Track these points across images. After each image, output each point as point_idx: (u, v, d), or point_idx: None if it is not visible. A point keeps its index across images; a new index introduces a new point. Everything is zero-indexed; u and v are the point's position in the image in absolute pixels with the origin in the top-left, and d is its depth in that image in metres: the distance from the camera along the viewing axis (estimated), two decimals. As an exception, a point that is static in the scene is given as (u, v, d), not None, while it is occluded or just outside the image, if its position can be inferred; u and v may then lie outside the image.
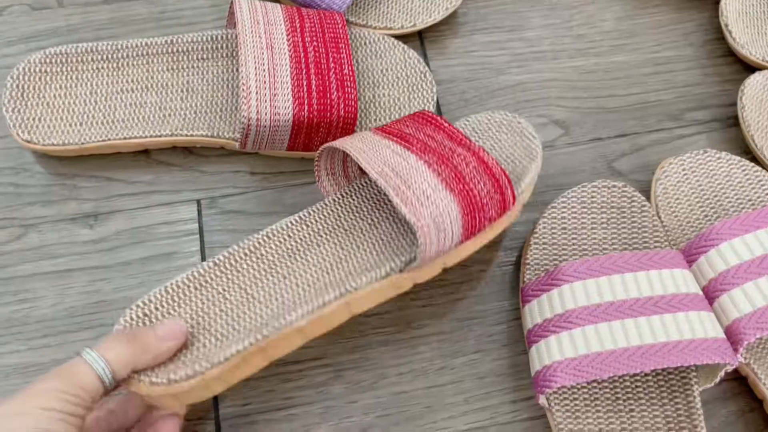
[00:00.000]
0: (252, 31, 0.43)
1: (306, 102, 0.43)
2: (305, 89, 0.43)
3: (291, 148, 0.45)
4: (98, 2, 0.52)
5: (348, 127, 0.45)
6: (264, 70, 0.42)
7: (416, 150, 0.38)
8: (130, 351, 0.32)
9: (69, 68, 0.46)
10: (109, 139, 0.44)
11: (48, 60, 0.46)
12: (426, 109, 0.46)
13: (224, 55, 0.47)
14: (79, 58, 0.46)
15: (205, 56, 0.47)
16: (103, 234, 0.44)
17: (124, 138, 0.45)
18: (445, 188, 0.36)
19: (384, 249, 0.40)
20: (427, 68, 0.48)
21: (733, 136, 0.49)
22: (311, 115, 0.43)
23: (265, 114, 0.42)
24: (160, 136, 0.45)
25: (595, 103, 0.50)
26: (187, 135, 0.45)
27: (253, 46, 0.42)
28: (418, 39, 0.52)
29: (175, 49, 0.47)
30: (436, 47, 0.52)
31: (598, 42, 0.53)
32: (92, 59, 0.46)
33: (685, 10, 0.54)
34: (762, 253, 0.39)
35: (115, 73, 0.46)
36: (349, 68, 0.45)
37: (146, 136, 0.45)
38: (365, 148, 0.38)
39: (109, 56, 0.46)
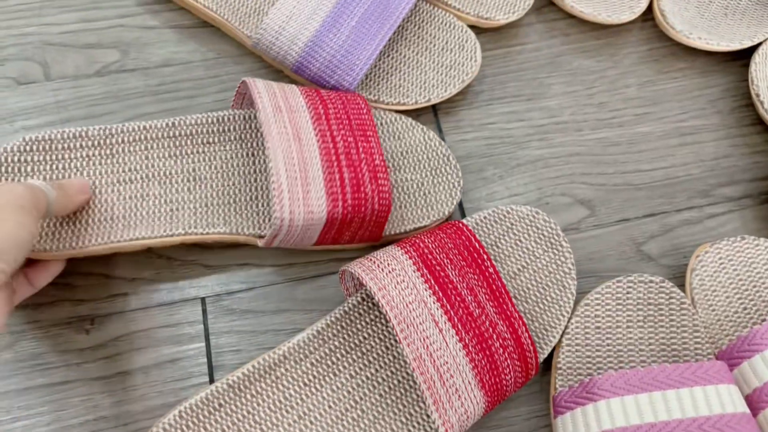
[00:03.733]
0: (276, 121, 0.39)
1: (340, 198, 0.39)
2: (338, 184, 0.39)
3: (319, 243, 0.42)
4: (89, 75, 0.48)
5: (381, 220, 0.41)
6: (294, 165, 0.38)
7: (457, 321, 0.36)
8: (64, 199, 0.37)
9: (54, 157, 0.41)
10: (110, 241, 0.40)
11: (28, 148, 0.40)
12: (453, 195, 0.44)
13: (232, 138, 0.44)
14: (66, 145, 0.41)
15: (211, 140, 0.43)
16: (101, 339, 0.41)
17: (130, 239, 0.40)
18: (477, 383, 0.35)
19: (402, 400, 0.38)
20: (449, 151, 0.45)
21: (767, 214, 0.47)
22: (345, 212, 0.39)
23: (299, 213, 0.38)
24: (170, 236, 0.40)
25: (621, 179, 0.48)
26: (201, 233, 0.41)
27: (280, 138, 0.38)
28: (432, 112, 0.49)
29: (177, 133, 0.43)
30: (452, 120, 0.49)
31: (622, 111, 0.50)
32: (81, 146, 0.41)
33: (711, 74, 0.51)
34: (811, 363, 0.37)
35: (109, 162, 0.42)
36: (380, 158, 0.41)
37: (154, 236, 0.40)
38: (403, 301, 0.35)
39: (101, 142, 0.42)
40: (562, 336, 0.41)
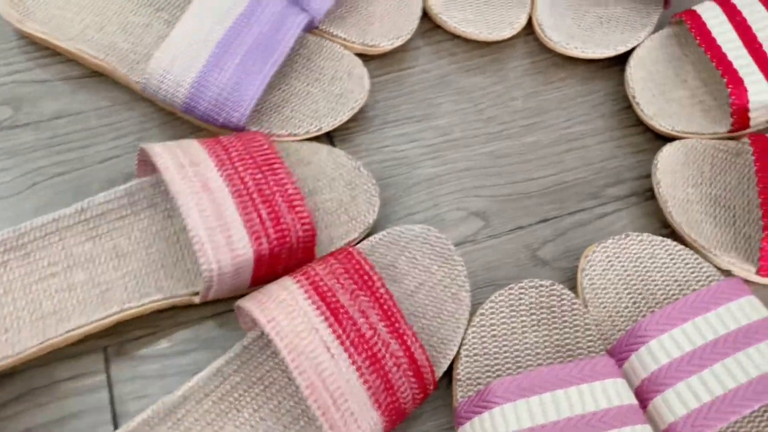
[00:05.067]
0: (182, 177, 0.39)
1: (263, 234, 0.40)
2: (258, 221, 0.40)
3: (254, 283, 0.42)
4: (-21, 133, 0.48)
5: (309, 245, 0.42)
6: (209, 215, 0.39)
7: (349, 344, 0.36)
8: None
9: None
10: (47, 339, 0.39)
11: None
12: (372, 203, 0.45)
13: (144, 206, 0.43)
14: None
15: (124, 213, 0.43)
16: (1, 399, 0.40)
17: (66, 332, 0.39)
18: (373, 405, 0.36)
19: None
20: (358, 162, 0.46)
21: (654, 209, 0.49)
22: (271, 246, 0.40)
23: (225, 260, 0.38)
24: (107, 317, 0.40)
25: (513, 188, 0.49)
26: (137, 306, 0.41)
27: (190, 193, 0.39)
28: (328, 140, 0.50)
29: (88, 215, 0.42)
30: (348, 147, 0.50)
31: (509, 123, 0.52)
32: (-7, 253, 0.40)
33: (591, 80, 0.54)
34: (690, 349, 0.39)
35: (27, 262, 0.41)
36: (293, 187, 0.42)
37: (91, 322, 0.40)
38: (293, 330, 0.36)
39: (13, 244, 0.41)
40: (460, 348, 0.42)
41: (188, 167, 0.40)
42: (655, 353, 0.39)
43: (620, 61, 0.54)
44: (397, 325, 0.39)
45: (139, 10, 0.51)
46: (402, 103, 0.52)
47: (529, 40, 0.55)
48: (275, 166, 0.42)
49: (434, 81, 0.53)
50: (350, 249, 0.41)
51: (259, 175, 0.41)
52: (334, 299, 0.38)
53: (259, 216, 0.40)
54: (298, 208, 0.41)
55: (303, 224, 0.40)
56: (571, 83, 0.54)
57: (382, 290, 0.39)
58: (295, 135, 0.48)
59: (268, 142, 0.43)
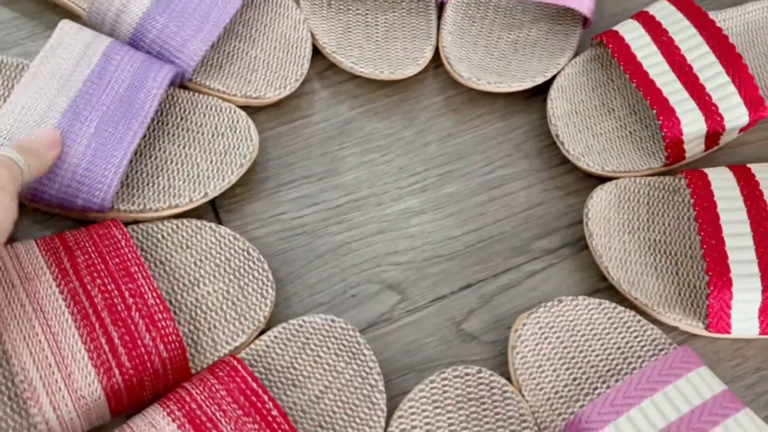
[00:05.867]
0: (10, 302, 0.32)
1: (114, 365, 0.33)
2: (106, 349, 0.33)
3: (116, 416, 0.34)
4: None
5: (180, 364, 0.35)
6: (43, 349, 0.32)
7: None
8: (38, 164, 0.36)
9: None
10: None
11: None
12: (265, 295, 0.38)
13: None
14: None
15: None
16: None
17: None
18: None
19: None
20: (248, 243, 0.40)
21: (590, 261, 0.43)
22: (126, 377, 0.33)
23: (66, 405, 0.31)
24: None
25: (431, 251, 0.43)
26: None
27: (18, 323, 0.32)
28: (212, 211, 0.43)
29: None
30: (236, 219, 0.43)
31: (423, 173, 0.46)
32: None
33: (512, 115, 0.48)
34: (640, 442, 0.34)
35: None
36: (154, 295, 0.35)
37: None
38: None
39: None
40: (378, 460, 0.35)
41: (19, 285, 0.32)
42: (601, 451, 0.34)
43: (543, 89, 0.48)
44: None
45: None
46: (298, 160, 0.45)
47: (440, 73, 0.49)
48: (132, 270, 0.34)
49: (335, 130, 0.46)
50: (234, 362, 0.34)
51: (111, 286, 0.34)
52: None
53: (109, 341, 0.32)
54: (161, 323, 0.34)
55: (168, 343, 0.33)
56: (491, 120, 0.48)
57: (275, 412, 0.33)
58: (176, 206, 0.41)
59: (125, 238, 0.36)
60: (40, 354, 0.31)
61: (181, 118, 0.43)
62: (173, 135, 0.43)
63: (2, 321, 0.32)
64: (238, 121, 0.43)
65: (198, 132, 0.43)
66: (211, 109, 0.43)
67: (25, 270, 0.33)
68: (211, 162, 0.42)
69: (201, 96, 0.44)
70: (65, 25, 0.42)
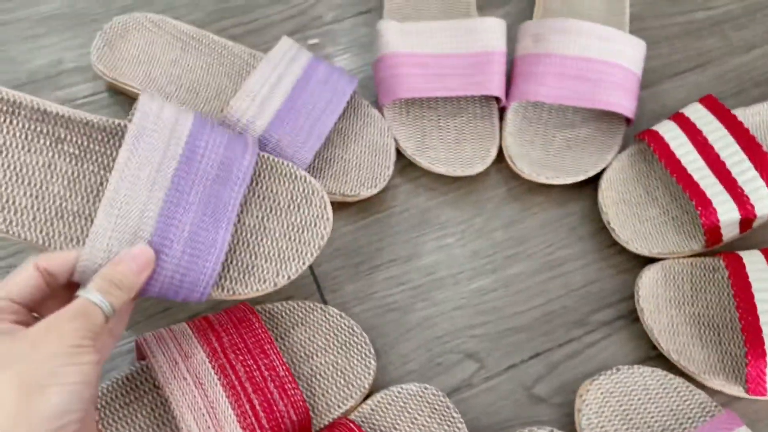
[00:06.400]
0: (175, 376, 0.40)
1: (257, 426, 0.40)
2: (251, 413, 0.40)
3: None
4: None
5: (305, 425, 0.42)
6: (203, 415, 0.39)
7: None
8: (125, 296, 0.37)
9: None
10: None
11: None
12: (368, 365, 0.45)
13: (147, 390, 0.45)
14: None
15: (128, 401, 0.44)
16: None
17: None
18: None
19: None
20: (352, 321, 0.47)
21: (642, 331, 0.50)
22: None
23: None
24: None
25: (503, 324, 0.50)
26: None
27: (183, 394, 0.40)
28: (316, 290, 0.51)
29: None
30: (337, 297, 0.51)
31: (492, 255, 0.53)
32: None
33: (567, 202, 0.56)
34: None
35: None
36: (284, 368, 0.42)
37: None
38: None
39: None
40: None
41: (181, 362, 0.41)
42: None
43: (594, 178, 0.56)
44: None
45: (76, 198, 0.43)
46: (386, 246, 0.53)
47: (502, 168, 0.56)
48: (266, 347, 0.43)
49: (415, 219, 0.54)
50: (350, 424, 0.42)
51: (251, 361, 0.42)
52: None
53: (252, 408, 0.40)
54: (290, 392, 0.41)
55: (296, 408, 0.41)
56: (548, 207, 0.55)
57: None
58: (263, 290, 0.44)
59: (257, 319, 0.44)
60: (201, 418, 0.39)
61: (259, 188, 0.45)
62: (252, 205, 0.45)
63: (171, 391, 0.40)
64: (313, 193, 0.45)
65: (274, 201, 0.45)
66: (286, 176, 0.45)
67: (183, 350, 0.42)
68: (290, 239, 0.44)
69: (274, 158, 0.45)
70: (146, 103, 0.42)
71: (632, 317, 0.51)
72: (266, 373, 0.42)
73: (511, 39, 0.58)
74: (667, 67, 0.63)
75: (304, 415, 0.42)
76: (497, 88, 0.55)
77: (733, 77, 0.62)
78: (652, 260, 0.52)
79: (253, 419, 0.40)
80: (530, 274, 0.52)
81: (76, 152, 0.42)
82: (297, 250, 0.44)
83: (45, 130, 0.41)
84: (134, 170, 0.40)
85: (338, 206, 0.54)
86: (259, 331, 0.44)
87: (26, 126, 0.41)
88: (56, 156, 0.42)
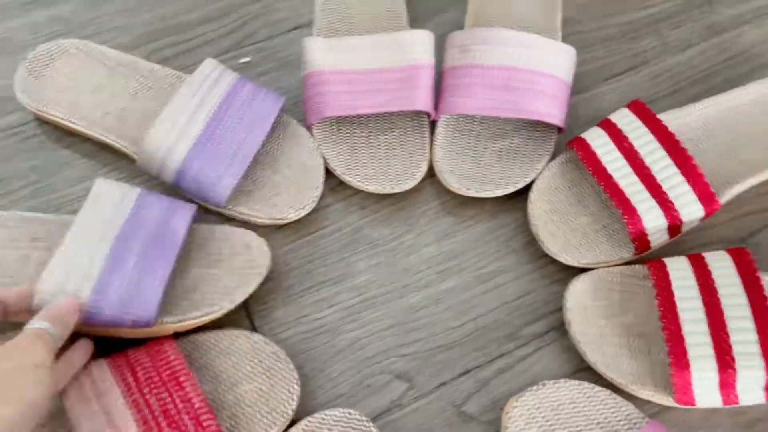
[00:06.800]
0: (87, 417, 0.40)
1: None
2: None
3: None
4: None
5: None
6: None
7: None
8: (63, 331, 0.41)
9: None
10: None
11: None
12: (291, 391, 0.46)
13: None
14: None
15: None
16: None
17: None
18: None
19: None
20: (276, 347, 0.47)
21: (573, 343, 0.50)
22: None
23: None
24: None
25: (434, 342, 0.50)
26: None
27: None
28: (246, 316, 0.51)
29: None
30: (267, 322, 0.51)
31: (425, 271, 0.53)
32: None
33: (500, 213, 0.55)
34: None
35: None
36: (199, 399, 0.42)
37: None
38: None
39: None
40: None
41: (94, 400, 0.41)
42: None
43: (526, 188, 0.55)
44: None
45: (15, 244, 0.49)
46: (316, 267, 0.53)
47: (435, 182, 0.56)
48: (181, 379, 0.42)
49: (347, 239, 0.54)
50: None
51: (165, 394, 0.42)
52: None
53: None
54: (206, 423, 0.41)
55: None
56: (481, 219, 0.55)
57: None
58: (210, 314, 0.48)
59: (175, 353, 0.44)
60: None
61: (204, 246, 0.50)
62: (197, 261, 0.50)
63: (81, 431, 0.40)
64: (251, 241, 0.50)
65: (218, 255, 0.50)
66: (224, 235, 0.51)
67: (98, 388, 0.42)
68: (235, 276, 0.49)
69: (217, 226, 0.51)
70: (101, 185, 0.49)
71: (563, 329, 0.50)
72: (180, 406, 0.42)
73: (443, 50, 0.58)
74: (602, 70, 0.62)
75: None
76: (424, 104, 0.54)
77: (668, 77, 0.62)
78: (584, 270, 0.51)
79: (168, 454, 0.40)
80: (463, 288, 0.52)
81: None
82: (242, 282, 0.49)
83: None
84: (88, 226, 0.46)
85: (269, 229, 0.53)
86: (175, 363, 0.43)
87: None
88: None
